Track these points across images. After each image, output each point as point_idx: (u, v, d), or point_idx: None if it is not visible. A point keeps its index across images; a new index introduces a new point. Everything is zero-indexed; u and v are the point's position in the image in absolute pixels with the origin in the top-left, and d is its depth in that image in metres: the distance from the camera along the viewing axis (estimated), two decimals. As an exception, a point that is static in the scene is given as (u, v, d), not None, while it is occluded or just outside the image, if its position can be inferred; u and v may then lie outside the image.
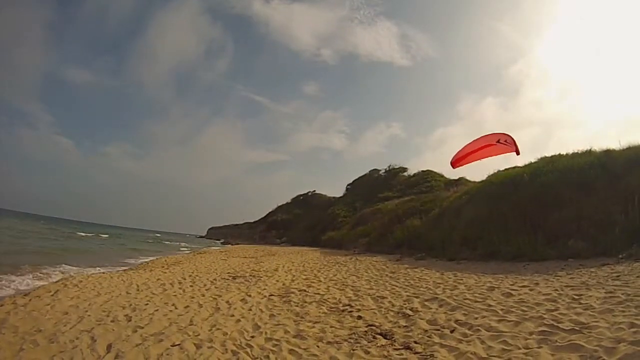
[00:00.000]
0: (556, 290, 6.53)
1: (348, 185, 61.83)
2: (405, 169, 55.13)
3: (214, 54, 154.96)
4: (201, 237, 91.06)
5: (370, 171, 60.55)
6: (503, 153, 9.11)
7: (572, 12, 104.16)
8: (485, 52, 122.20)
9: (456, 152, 9.74)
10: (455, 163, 9.71)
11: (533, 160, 16.79)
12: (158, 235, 74.81)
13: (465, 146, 9.59)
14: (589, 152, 14.77)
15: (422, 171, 49.86)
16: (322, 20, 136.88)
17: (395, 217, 25.68)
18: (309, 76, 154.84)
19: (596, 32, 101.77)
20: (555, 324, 4.42)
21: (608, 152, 13.92)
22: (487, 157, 9.39)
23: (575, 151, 15.44)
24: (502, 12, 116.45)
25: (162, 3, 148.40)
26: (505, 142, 8.85)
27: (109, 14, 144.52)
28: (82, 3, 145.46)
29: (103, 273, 11.61)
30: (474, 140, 9.51)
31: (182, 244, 45.41)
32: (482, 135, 9.46)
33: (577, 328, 4.17)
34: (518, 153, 8.76)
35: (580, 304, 5.27)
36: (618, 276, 7.17)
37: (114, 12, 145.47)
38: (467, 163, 9.65)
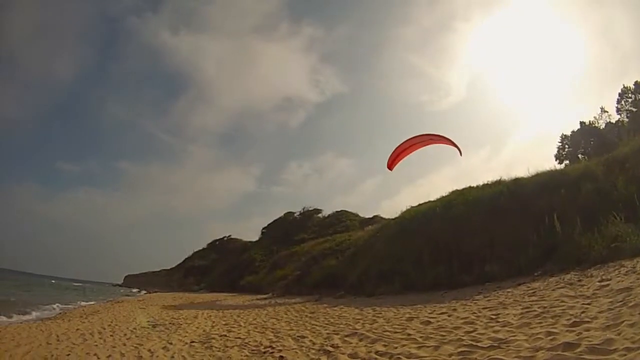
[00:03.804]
0: (474, 313, 6.60)
1: (263, 228, 60.70)
2: (319, 210, 55.75)
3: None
4: (117, 285, 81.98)
5: (285, 214, 60.20)
6: (432, 144, 9.55)
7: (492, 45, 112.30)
8: (404, 88, 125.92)
9: (389, 155, 9.97)
10: (391, 164, 9.87)
11: (444, 194, 17.61)
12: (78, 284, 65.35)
13: (397, 147, 9.90)
14: (498, 182, 15.60)
15: (337, 212, 51.15)
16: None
17: (311, 259, 25.81)
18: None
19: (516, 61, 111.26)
20: (474, 343, 4.46)
21: (517, 180, 14.78)
22: (418, 149, 9.74)
23: (486, 182, 16.34)
24: (417, 45, 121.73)
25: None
26: (437, 139, 9.33)
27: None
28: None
29: (21, 324, 11.56)
30: (405, 141, 9.84)
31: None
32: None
33: (495, 344, 4.24)
34: (460, 153, 9.21)
35: (498, 322, 5.34)
36: (534, 292, 7.47)
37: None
38: (401, 159, 9.91)
